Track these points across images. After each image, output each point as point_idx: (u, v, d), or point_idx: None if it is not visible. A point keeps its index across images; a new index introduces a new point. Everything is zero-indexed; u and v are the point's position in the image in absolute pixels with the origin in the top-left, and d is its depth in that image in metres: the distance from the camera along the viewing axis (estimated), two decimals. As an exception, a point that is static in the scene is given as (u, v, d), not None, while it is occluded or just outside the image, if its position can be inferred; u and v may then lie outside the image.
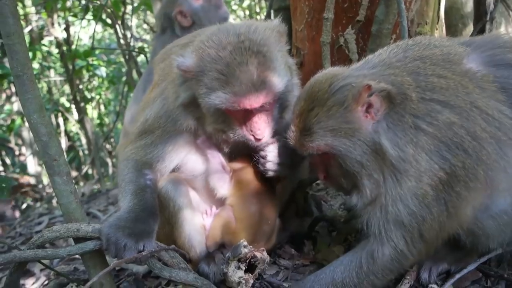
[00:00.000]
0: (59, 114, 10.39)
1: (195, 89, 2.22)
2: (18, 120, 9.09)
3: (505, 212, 1.99)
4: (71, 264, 3.59)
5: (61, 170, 2.15)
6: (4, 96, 10.04)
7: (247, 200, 2.51)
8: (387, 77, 1.93)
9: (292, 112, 2.10)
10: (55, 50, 9.75)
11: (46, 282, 3.44)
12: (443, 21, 3.65)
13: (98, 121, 12.41)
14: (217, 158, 2.52)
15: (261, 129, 2.23)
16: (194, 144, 2.52)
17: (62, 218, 3.58)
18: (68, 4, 7.47)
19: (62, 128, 10.55)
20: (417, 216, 1.90)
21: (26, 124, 8.40)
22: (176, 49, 2.63)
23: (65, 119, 10.77)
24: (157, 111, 2.47)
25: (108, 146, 11.52)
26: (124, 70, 10.14)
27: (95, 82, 11.61)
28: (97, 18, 6.26)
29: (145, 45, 9.11)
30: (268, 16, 4.71)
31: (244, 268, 2.20)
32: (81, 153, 11.42)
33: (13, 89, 8.78)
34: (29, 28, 8.31)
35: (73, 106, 10.57)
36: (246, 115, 2.21)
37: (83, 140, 10.75)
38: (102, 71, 8.14)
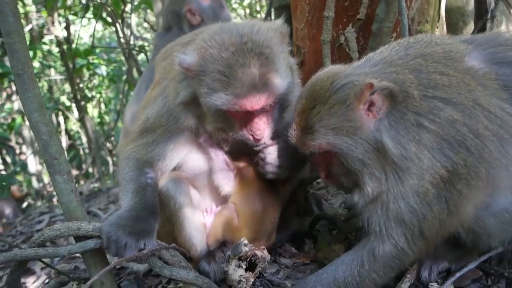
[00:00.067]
0: (60, 113, 10.40)
1: (196, 88, 2.22)
2: (18, 119, 9.10)
3: (506, 210, 1.98)
4: (71, 262, 3.60)
5: (62, 169, 2.15)
6: (4, 94, 10.05)
7: (250, 198, 2.52)
8: (389, 75, 1.93)
9: (293, 110, 2.10)
10: (55, 49, 9.75)
11: (47, 280, 3.44)
12: (444, 19, 3.64)
13: (98, 120, 12.42)
14: (220, 156, 2.52)
15: (261, 129, 2.23)
16: (195, 143, 2.52)
17: (63, 217, 3.58)
18: (69, 2, 7.48)
19: (62, 126, 10.57)
20: (418, 214, 1.89)
21: (27, 122, 8.41)
22: (177, 47, 2.63)
23: (66, 118, 10.78)
24: (158, 110, 2.47)
25: (108, 144, 11.53)
26: (124, 68, 10.14)
27: (96, 81, 11.62)
28: (98, 16, 6.26)
29: (146, 44, 9.11)
30: (268, 14, 4.70)
31: (244, 267, 2.20)
32: (81, 152, 11.43)
33: (14, 87, 8.80)
34: (29, 26, 8.31)
35: (73, 105, 10.57)
36: (247, 116, 2.21)
37: (84, 139, 10.76)
38: (103, 69, 8.13)
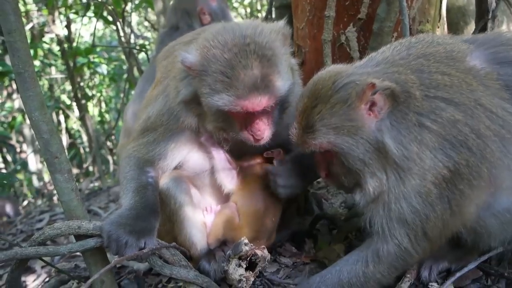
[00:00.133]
0: (60, 112, 10.39)
1: (198, 87, 2.22)
2: (19, 118, 9.11)
3: (507, 211, 1.98)
4: (72, 261, 3.60)
5: (62, 168, 2.15)
6: (5, 93, 10.05)
7: (252, 197, 2.53)
8: (391, 75, 1.93)
9: (295, 109, 2.10)
10: (56, 48, 9.75)
11: (47, 279, 3.45)
12: (445, 19, 3.64)
13: (99, 119, 12.42)
14: (222, 155, 2.52)
15: (261, 130, 2.24)
16: (196, 142, 2.52)
17: (63, 216, 3.59)
18: (69, 1, 7.46)
19: (63, 125, 10.56)
20: (420, 214, 1.89)
21: (27, 121, 8.41)
22: (179, 46, 2.63)
23: (66, 117, 10.78)
24: (159, 109, 2.47)
25: (109, 143, 11.52)
26: (125, 67, 10.15)
27: (96, 80, 11.62)
28: (98, 15, 6.25)
29: (146, 42, 9.10)
30: (269, 13, 4.70)
31: (244, 266, 2.20)
32: (82, 151, 11.43)
33: (14, 86, 8.80)
34: (30, 25, 8.31)
35: (74, 104, 10.58)
36: (248, 117, 2.21)
37: (84, 138, 10.75)
38: (103, 68, 8.14)
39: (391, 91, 1.85)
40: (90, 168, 10.13)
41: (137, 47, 7.23)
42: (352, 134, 1.89)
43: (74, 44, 8.04)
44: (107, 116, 13.03)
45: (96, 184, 8.28)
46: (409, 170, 1.87)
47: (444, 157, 1.85)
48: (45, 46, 9.12)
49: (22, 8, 7.99)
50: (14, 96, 9.47)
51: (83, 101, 9.79)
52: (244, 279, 2.19)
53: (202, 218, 2.61)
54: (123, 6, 6.51)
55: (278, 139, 2.43)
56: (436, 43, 2.08)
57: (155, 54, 4.80)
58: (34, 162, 9.84)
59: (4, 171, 9.57)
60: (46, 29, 8.76)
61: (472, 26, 4.15)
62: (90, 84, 11.50)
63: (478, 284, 2.27)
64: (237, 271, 2.19)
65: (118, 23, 6.42)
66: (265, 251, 2.24)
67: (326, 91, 1.92)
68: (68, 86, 10.74)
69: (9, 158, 10.15)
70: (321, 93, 1.93)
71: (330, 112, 1.90)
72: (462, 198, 1.88)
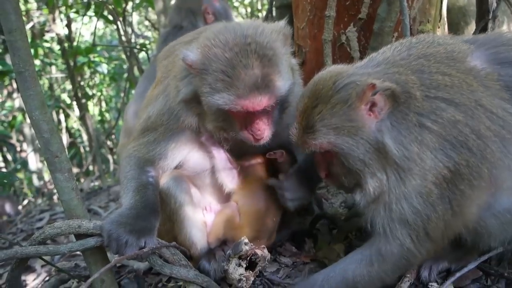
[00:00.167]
0: (61, 111, 10.39)
1: (198, 86, 2.22)
2: (19, 117, 9.11)
3: (508, 211, 1.98)
4: (72, 260, 3.61)
5: (63, 167, 2.15)
6: (5, 92, 10.05)
7: (254, 197, 2.53)
8: (391, 76, 1.93)
9: (295, 109, 2.10)
10: (56, 47, 9.75)
11: (47, 278, 3.45)
12: (445, 19, 3.64)
13: (99, 118, 12.42)
14: (222, 155, 2.52)
15: (261, 130, 2.24)
16: (196, 142, 2.52)
17: (63, 215, 3.58)
18: (70, 0, 7.46)
19: (63, 124, 10.56)
20: (421, 215, 1.89)
21: (28, 120, 8.42)
22: (179, 45, 2.63)
23: (66, 116, 10.78)
24: (159, 108, 2.47)
25: (109, 142, 11.53)
26: (125, 66, 10.14)
27: (97, 79, 11.61)
28: (99, 14, 6.25)
29: (147, 42, 9.10)
30: (269, 13, 4.70)
31: (244, 265, 2.21)
32: (82, 150, 11.43)
33: (15, 85, 8.80)
34: (30, 24, 8.31)
35: (74, 103, 10.58)
36: (248, 116, 2.21)
37: (84, 137, 10.75)
38: (104, 67, 8.15)
39: (391, 91, 1.85)
40: (90, 168, 10.14)
41: (138, 47, 7.23)
42: (352, 135, 1.89)
43: (75, 44, 8.04)
44: (107, 115, 13.03)
45: (96, 183, 8.29)
46: (410, 170, 1.87)
47: (445, 158, 1.85)
48: (46, 45, 9.12)
49: (22, 7, 7.99)
50: (15, 95, 9.47)
51: (84, 100, 9.80)
52: (244, 278, 2.19)
53: (202, 217, 2.61)
54: (123, 5, 6.51)
55: (278, 139, 2.43)
56: (436, 43, 2.08)
57: (157, 54, 4.81)
58: (34, 161, 9.84)
59: (4, 170, 9.57)
60: (46, 28, 8.75)
61: (472, 26, 4.14)
62: (91, 83, 11.49)
63: (478, 284, 2.27)
64: (237, 270, 2.20)
65: (118, 23, 6.42)
66: (265, 250, 2.24)
67: (327, 91, 1.92)
68: (68, 85, 10.74)
69: (9, 157, 10.15)
70: (321, 93, 1.93)
71: (330, 112, 1.90)
72: (463, 198, 1.88)
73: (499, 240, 2.08)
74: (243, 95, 2.08)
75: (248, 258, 2.21)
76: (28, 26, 8.04)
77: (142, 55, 9.59)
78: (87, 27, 10.75)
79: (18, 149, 10.38)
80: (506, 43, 2.09)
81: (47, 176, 9.88)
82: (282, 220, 2.70)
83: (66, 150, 2.24)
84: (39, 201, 8.70)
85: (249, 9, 11.12)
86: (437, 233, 1.93)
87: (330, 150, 1.95)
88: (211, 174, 2.59)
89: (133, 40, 7.31)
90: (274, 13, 4.72)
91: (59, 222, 2.22)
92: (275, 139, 2.37)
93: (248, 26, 2.20)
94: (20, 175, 9.77)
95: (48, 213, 5.67)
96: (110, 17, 6.67)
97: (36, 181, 10.10)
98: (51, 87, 10.71)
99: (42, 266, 3.76)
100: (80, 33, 7.50)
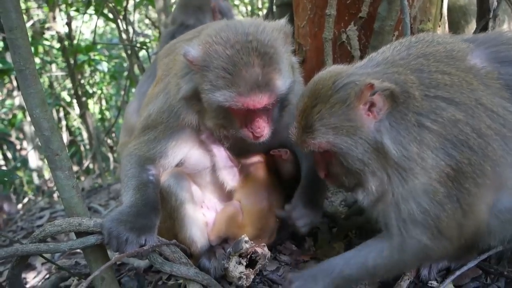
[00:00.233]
0: (61, 109, 10.39)
1: (199, 83, 2.23)
2: (19, 115, 9.10)
3: (508, 210, 1.97)
4: (72, 258, 3.61)
5: (63, 165, 2.16)
6: (5, 90, 10.05)
7: (257, 195, 2.53)
8: (391, 76, 1.92)
9: (295, 108, 2.10)
10: (56, 45, 9.74)
11: (48, 276, 3.46)
12: (446, 18, 3.63)
13: (99, 116, 12.41)
14: (223, 153, 2.53)
15: (261, 127, 2.25)
16: (197, 139, 2.53)
17: (64, 213, 3.58)
18: (70, -2, 7.46)
19: (63, 122, 10.56)
20: (430, 214, 1.88)
21: (28, 118, 8.42)
22: (180, 44, 2.63)
23: (67, 114, 10.78)
24: (160, 106, 2.48)
25: (109, 141, 11.54)
26: (125, 65, 10.14)
27: (97, 77, 11.61)
28: (99, 12, 6.24)
29: (147, 40, 9.09)
30: (270, 12, 4.70)
31: (245, 264, 2.21)
32: (82, 148, 11.43)
33: (15, 83, 8.80)
34: (31, 22, 8.30)
35: (74, 101, 10.58)
36: (248, 114, 2.22)
37: (85, 135, 10.75)
38: (104, 66, 8.14)
39: (390, 92, 1.84)
40: (90, 166, 10.14)
41: (138, 45, 7.22)
42: (351, 134, 1.89)
43: (75, 42, 8.03)
44: (107, 113, 13.04)
45: (97, 181, 8.29)
46: (411, 170, 1.86)
47: (446, 156, 1.84)
48: (46, 43, 9.11)
49: (22, 6, 7.97)
50: (15, 93, 9.46)
51: (84, 99, 9.79)
52: (244, 276, 2.19)
53: (202, 215, 2.61)
54: (124, 3, 6.50)
55: (278, 137, 2.44)
56: (436, 42, 2.08)
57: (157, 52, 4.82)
58: (34, 159, 9.84)
59: (4, 168, 9.57)
60: (46, 26, 8.74)
61: (473, 26, 4.13)
62: (91, 81, 11.48)
63: (477, 283, 2.28)
64: (237, 268, 2.20)
65: (119, 21, 6.42)
66: (266, 248, 2.25)
67: (326, 91, 1.92)
68: (68, 84, 10.72)
69: (9, 155, 10.15)
70: (321, 93, 1.93)
71: (329, 112, 1.90)
72: (469, 197, 1.86)
73: (498, 239, 2.08)
74: (244, 93, 2.08)
75: (249, 256, 2.21)
76: (28, 24, 8.02)
77: (143, 53, 9.59)
78: (87, 25, 10.74)
79: (18, 147, 10.38)
80: (506, 42, 2.08)
81: (47, 174, 9.89)
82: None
83: (66, 148, 2.24)
84: (39, 199, 8.70)
85: (249, 8, 11.11)
86: (451, 232, 1.92)
87: (329, 150, 1.95)
88: (212, 172, 2.59)
89: (133, 38, 7.29)
90: (274, 12, 4.72)
91: (60, 220, 2.23)
92: (275, 137, 2.38)
93: (249, 24, 2.20)
94: (20, 173, 9.79)
95: (48, 211, 5.67)
96: (111, 15, 6.66)
97: (36, 179, 10.10)
98: (51, 85, 10.71)
99: (43, 264, 3.76)
100: (80, 31, 7.50)
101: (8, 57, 6.46)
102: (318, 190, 2.54)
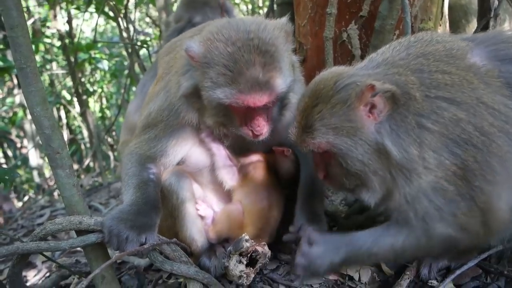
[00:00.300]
0: (61, 107, 10.39)
1: (200, 80, 2.23)
2: (20, 113, 9.10)
3: (510, 210, 1.95)
4: (72, 256, 3.62)
5: (64, 163, 2.16)
6: (6, 88, 10.05)
7: (258, 194, 2.53)
8: (391, 77, 1.92)
9: (296, 108, 2.10)
10: (57, 43, 9.74)
11: (48, 274, 3.47)
12: (447, 17, 3.63)
13: (100, 114, 12.42)
14: (222, 151, 2.53)
15: (260, 126, 2.25)
16: (197, 138, 2.53)
17: (64, 211, 3.59)
18: (71, -4, 7.46)
19: (64, 121, 10.56)
20: (445, 211, 1.87)
21: (28, 116, 8.42)
22: (181, 42, 2.63)
23: (67, 112, 10.78)
24: (160, 105, 2.48)
25: (109, 139, 11.53)
26: (126, 63, 10.13)
27: (97, 75, 11.61)
28: (100, 11, 6.24)
29: (148, 39, 9.09)
30: (271, 10, 4.69)
31: (245, 262, 2.21)
32: (82, 146, 11.44)
33: (16, 81, 8.80)
34: (31, 20, 8.29)
35: (75, 99, 10.57)
36: (248, 112, 2.22)
37: (85, 133, 10.75)
38: (104, 64, 8.12)
39: (391, 94, 1.84)
40: (91, 164, 10.14)
41: (139, 43, 7.22)
42: (351, 135, 1.88)
43: (76, 40, 8.03)
44: (108, 112, 13.04)
45: (97, 179, 8.30)
46: (414, 170, 1.85)
47: (450, 155, 1.83)
48: (46, 41, 9.11)
49: (23, 4, 7.96)
50: (15, 91, 9.46)
51: (84, 97, 9.79)
52: (245, 275, 2.19)
53: (202, 212, 2.61)
54: (125, 2, 6.50)
55: (278, 136, 2.44)
56: (435, 41, 2.07)
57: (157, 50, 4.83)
58: (34, 158, 9.84)
59: (4, 166, 9.58)
60: (47, 24, 8.73)
61: (474, 25, 4.13)
62: (91, 80, 11.49)
63: (477, 282, 2.28)
64: (237, 267, 2.20)
65: (119, 19, 6.41)
66: (266, 247, 2.25)
67: (327, 91, 1.92)
68: (69, 82, 10.73)
69: (9, 153, 10.15)
70: (322, 93, 1.93)
71: (330, 112, 1.89)
72: (483, 194, 1.85)
73: (498, 238, 2.08)
74: (244, 91, 2.08)
75: (249, 255, 2.21)
76: (29, 22, 8.02)
77: (143, 52, 9.57)
78: (88, 24, 10.74)
79: (19, 145, 10.38)
80: (506, 41, 2.08)
81: (47, 172, 9.89)
82: (283, 217, 2.70)
83: (67, 146, 2.25)
84: (40, 197, 8.71)
85: (250, 6, 11.10)
86: (475, 228, 1.90)
87: (329, 150, 1.94)
88: (212, 171, 2.59)
89: (134, 37, 7.29)
90: (275, 10, 4.71)
91: (60, 218, 2.23)
92: (274, 136, 2.38)
93: (251, 22, 2.20)
94: (21, 171, 9.79)
95: (49, 209, 5.67)
96: (111, 14, 6.66)
97: (36, 177, 10.10)
98: (52, 83, 10.71)
99: (43, 262, 3.77)
100: (81, 30, 7.50)
101: (9, 55, 6.47)
102: (318, 198, 2.54)
